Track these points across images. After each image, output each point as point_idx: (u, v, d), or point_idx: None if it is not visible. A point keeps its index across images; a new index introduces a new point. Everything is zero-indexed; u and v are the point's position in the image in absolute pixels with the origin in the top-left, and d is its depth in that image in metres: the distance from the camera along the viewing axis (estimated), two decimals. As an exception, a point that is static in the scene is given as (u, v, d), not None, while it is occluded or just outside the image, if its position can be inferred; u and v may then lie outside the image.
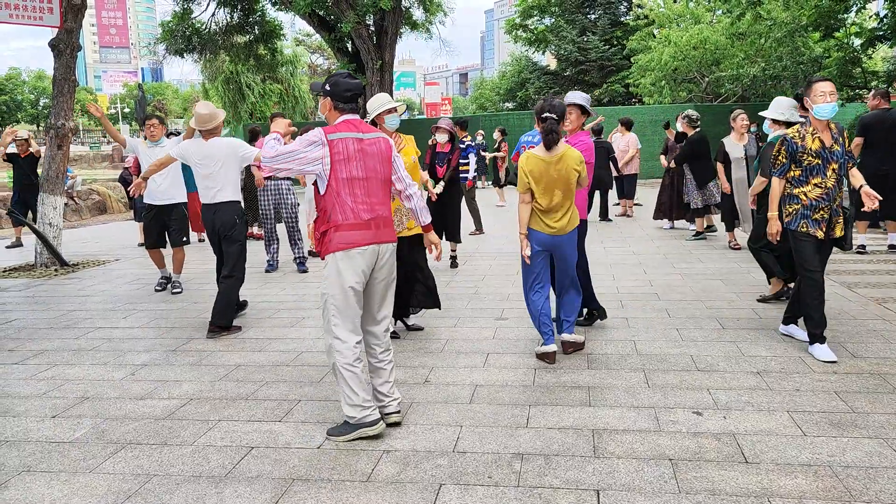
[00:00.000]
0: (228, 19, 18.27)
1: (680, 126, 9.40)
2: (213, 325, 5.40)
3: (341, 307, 3.37)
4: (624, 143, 12.12)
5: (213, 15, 18.18)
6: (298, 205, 8.50)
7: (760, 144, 7.92)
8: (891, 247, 8.09)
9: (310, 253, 8.87)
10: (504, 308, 6.01)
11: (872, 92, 8.35)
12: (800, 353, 4.52)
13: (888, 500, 2.75)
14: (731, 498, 2.79)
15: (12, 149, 10.46)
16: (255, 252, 8.93)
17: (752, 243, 5.88)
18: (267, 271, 8.11)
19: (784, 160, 4.53)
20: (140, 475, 3.15)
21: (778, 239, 4.65)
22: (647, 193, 15.49)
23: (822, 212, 4.44)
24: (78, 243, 11.20)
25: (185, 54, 18.25)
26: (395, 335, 5.15)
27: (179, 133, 8.65)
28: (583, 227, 4.97)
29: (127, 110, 74.26)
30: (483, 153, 18.40)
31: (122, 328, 5.79)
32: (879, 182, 6.90)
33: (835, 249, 4.78)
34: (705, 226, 9.59)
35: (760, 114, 6.23)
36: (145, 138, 7.06)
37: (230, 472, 3.16)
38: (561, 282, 4.65)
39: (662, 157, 10.52)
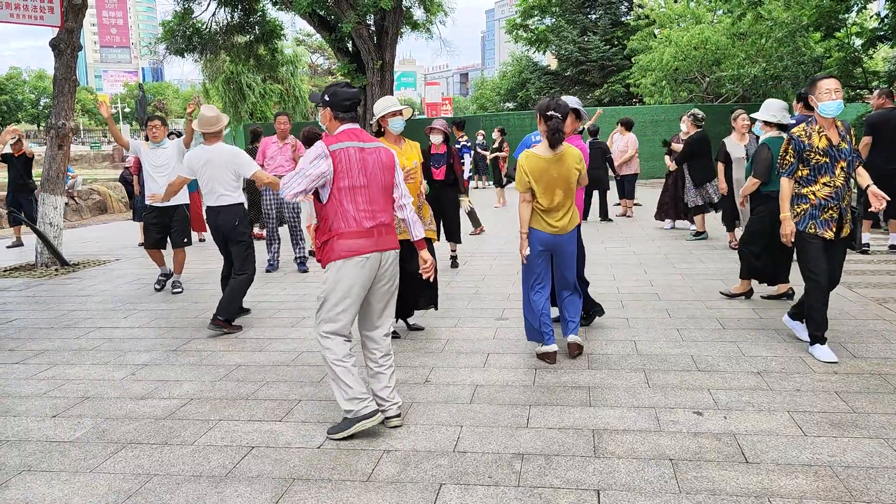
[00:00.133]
0: (229, 19, 18.28)
1: (685, 125, 9.40)
2: (216, 317, 5.44)
3: (337, 310, 3.40)
4: (623, 144, 12.10)
5: (214, 15, 18.20)
6: (301, 205, 8.50)
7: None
8: (891, 247, 8.08)
9: (310, 252, 8.87)
10: (504, 308, 6.00)
11: (877, 91, 8.32)
12: (800, 354, 4.52)
13: (888, 500, 2.75)
14: (732, 498, 2.79)
15: (7, 148, 10.46)
16: (257, 252, 8.90)
17: (743, 245, 5.88)
18: (267, 271, 8.12)
19: (792, 159, 4.44)
20: (140, 475, 3.16)
21: (792, 241, 4.49)
22: (647, 194, 15.49)
23: (831, 211, 4.37)
24: (78, 243, 11.20)
25: (185, 54, 18.28)
26: (395, 335, 5.15)
27: (181, 134, 8.65)
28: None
29: (127, 110, 74.28)
30: (483, 153, 18.39)
31: (122, 328, 5.79)
32: (886, 181, 6.87)
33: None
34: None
35: (752, 115, 6.23)
36: (147, 139, 7.07)
37: (230, 471, 3.16)
38: (562, 283, 4.61)
39: (667, 156, 10.51)
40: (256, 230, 10.75)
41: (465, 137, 13.13)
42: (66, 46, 8.86)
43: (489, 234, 10.62)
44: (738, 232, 8.86)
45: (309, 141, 8.53)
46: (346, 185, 3.36)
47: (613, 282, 6.93)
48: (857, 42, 16.25)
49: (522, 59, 38.59)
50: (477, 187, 19.88)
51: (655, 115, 20.71)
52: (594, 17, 33.25)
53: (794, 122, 5.86)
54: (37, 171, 10.52)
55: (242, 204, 5.73)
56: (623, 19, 32.29)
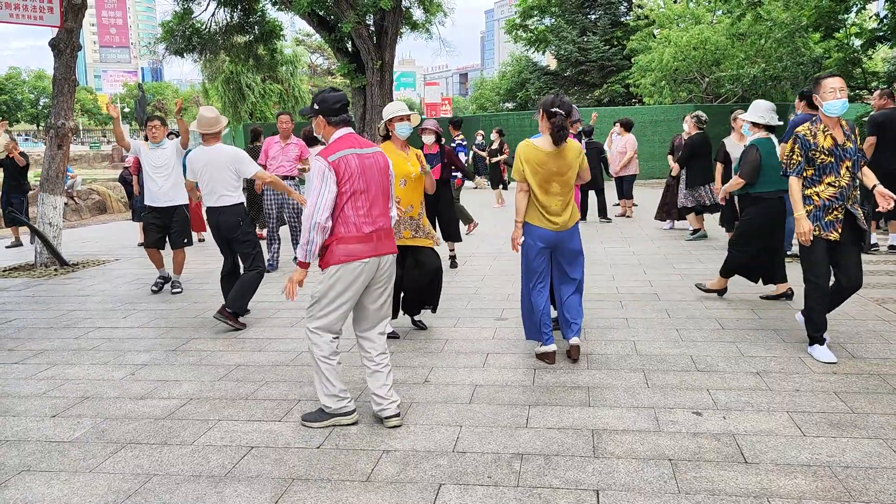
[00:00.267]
0: (228, 19, 18.26)
1: (687, 126, 9.42)
2: (225, 308, 5.51)
3: (329, 309, 3.46)
4: (622, 145, 12.06)
5: (213, 15, 18.18)
6: (301, 206, 8.50)
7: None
8: (891, 247, 8.09)
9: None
10: (504, 308, 6.01)
11: (877, 92, 8.32)
12: (799, 354, 4.53)
13: (888, 500, 2.75)
14: (731, 498, 2.79)
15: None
16: (255, 252, 8.92)
17: (732, 246, 5.87)
18: (267, 271, 8.09)
19: (799, 158, 4.36)
20: (140, 475, 3.16)
21: (810, 238, 4.32)
22: (646, 194, 15.50)
23: (835, 212, 4.31)
24: (78, 243, 11.20)
25: (185, 54, 18.25)
26: (394, 335, 5.16)
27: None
28: None
29: (127, 110, 74.26)
30: (481, 153, 18.35)
31: (122, 328, 5.79)
32: (890, 181, 6.86)
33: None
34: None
35: (741, 117, 6.24)
36: (146, 139, 7.07)
37: (230, 471, 3.17)
38: (565, 281, 4.56)
39: (670, 156, 10.51)
40: (256, 230, 10.75)
41: (462, 136, 13.12)
42: (65, 46, 8.86)
43: (489, 234, 10.62)
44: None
45: (309, 141, 8.54)
46: (346, 191, 3.41)
47: (613, 282, 6.94)
48: (857, 42, 16.25)
49: (522, 59, 38.59)
50: (476, 187, 19.87)
51: (655, 115, 20.71)
52: (594, 17, 33.24)
53: (780, 123, 5.88)
54: (35, 172, 10.50)
55: (243, 204, 5.75)
56: (622, 19, 32.29)
